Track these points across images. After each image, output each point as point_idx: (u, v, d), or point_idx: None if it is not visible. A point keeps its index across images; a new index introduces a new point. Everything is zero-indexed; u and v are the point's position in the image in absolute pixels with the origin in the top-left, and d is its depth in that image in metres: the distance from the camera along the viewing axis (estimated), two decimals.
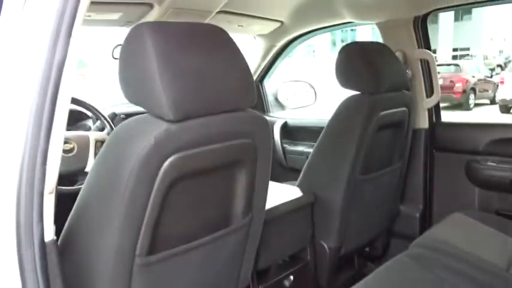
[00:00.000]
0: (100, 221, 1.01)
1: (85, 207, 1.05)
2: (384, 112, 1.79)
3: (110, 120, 2.08)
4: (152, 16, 1.98)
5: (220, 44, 1.11)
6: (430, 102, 2.15)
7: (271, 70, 2.94)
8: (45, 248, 0.85)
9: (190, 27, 1.08)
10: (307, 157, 1.94)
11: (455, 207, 2.09)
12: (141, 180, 0.98)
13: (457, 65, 10.15)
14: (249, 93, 1.14)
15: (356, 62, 1.77)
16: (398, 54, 2.07)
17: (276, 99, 3.10)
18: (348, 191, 1.79)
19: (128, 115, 2.28)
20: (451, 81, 9.66)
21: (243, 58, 1.14)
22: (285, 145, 2.80)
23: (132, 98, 1.04)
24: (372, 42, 1.92)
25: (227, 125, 1.11)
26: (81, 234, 1.07)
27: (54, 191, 0.85)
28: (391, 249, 2.31)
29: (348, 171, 1.76)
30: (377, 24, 2.16)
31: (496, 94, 10.96)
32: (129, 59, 1.01)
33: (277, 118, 2.90)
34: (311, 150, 1.92)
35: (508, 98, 9.24)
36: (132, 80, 1.02)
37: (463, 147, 2.13)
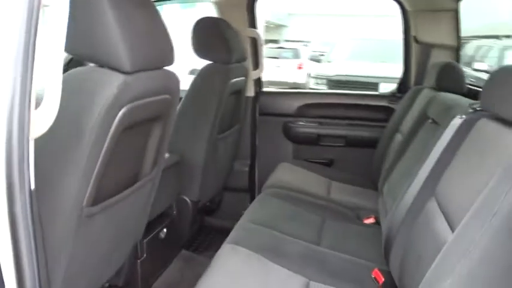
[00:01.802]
0: (59, 172, 1.00)
1: (42, 157, 1.01)
2: (234, 80, 2.10)
3: None
4: None
5: (151, 6, 1.20)
6: (256, 74, 2.57)
7: None
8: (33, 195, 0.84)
9: None
10: None
11: (275, 160, 2.60)
12: (102, 130, 1.02)
13: (295, 49, 10.94)
14: (172, 53, 1.27)
15: (212, 35, 2.01)
16: None
17: None
18: (209, 149, 2.04)
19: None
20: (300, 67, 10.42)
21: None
22: None
23: (82, 51, 1.05)
24: (216, 18, 2.19)
25: (162, 79, 1.22)
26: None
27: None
28: (224, 202, 2.66)
29: (209, 131, 2.01)
30: (214, 2, 2.43)
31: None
32: (81, 13, 1.02)
33: None
34: None
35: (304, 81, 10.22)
36: (84, 34, 1.03)
37: (280, 111, 2.64)
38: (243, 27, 2.44)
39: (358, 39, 8.64)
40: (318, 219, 1.80)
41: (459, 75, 1.88)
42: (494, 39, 7.95)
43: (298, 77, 9.86)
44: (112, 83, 1.02)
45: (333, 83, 6.85)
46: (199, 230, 2.50)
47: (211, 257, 2.22)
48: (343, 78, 6.76)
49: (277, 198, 1.92)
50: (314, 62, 9.28)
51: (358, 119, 2.57)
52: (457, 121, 1.28)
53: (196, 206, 2.14)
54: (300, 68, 10.34)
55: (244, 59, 2.26)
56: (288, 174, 2.28)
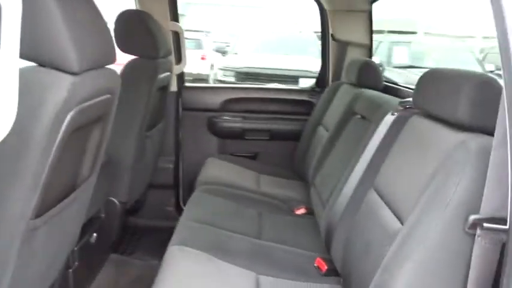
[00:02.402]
0: (4, 183, 0.90)
1: None
2: (162, 75, 2.04)
3: None
4: None
5: (92, 2, 1.13)
6: (179, 68, 2.52)
7: None
8: None
9: None
10: None
11: (200, 155, 2.59)
12: (51, 136, 0.95)
13: (198, 39, 10.51)
14: (114, 51, 1.21)
15: (137, 29, 1.93)
16: None
17: None
18: (137, 147, 1.97)
19: None
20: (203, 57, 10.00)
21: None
22: None
23: (23, 50, 0.95)
24: (141, 11, 2.11)
25: (106, 79, 1.16)
26: None
27: None
28: (148, 200, 2.59)
29: (138, 128, 1.93)
30: None
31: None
32: (25, 9, 0.92)
33: None
34: None
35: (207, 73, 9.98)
36: (27, 32, 0.93)
37: (204, 106, 2.62)
38: (165, 21, 2.37)
39: (262, 31, 8.83)
40: (254, 213, 1.84)
41: (377, 73, 2.04)
42: (382, 34, 8.65)
43: (202, 68, 9.80)
44: (61, 86, 0.94)
45: (242, 75, 6.93)
46: (124, 231, 2.41)
47: (141, 259, 2.20)
48: (252, 71, 6.87)
49: (213, 194, 1.93)
50: (219, 53, 9.28)
51: (280, 113, 2.66)
52: (389, 118, 1.40)
53: (124, 208, 2.06)
54: (203, 59, 10.26)
55: (169, 53, 2.20)
56: (218, 169, 2.29)
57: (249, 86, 3.04)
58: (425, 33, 12.72)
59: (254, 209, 1.88)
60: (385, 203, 1.19)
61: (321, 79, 2.66)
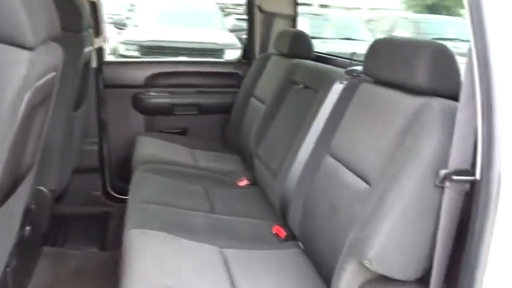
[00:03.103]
0: None
1: None
2: (87, 49, 1.88)
3: None
4: None
5: None
6: (98, 42, 2.34)
7: None
8: None
9: None
10: None
11: (126, 134, 2.48)
12: (11, 118, 0.84)
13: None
14: (58, 23, 1.09)
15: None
16: None
17: None
18: (66, 129, 1.81)
19: None
20: None
21: None
22: None
23: None
24: None
25: (53, 54, 1.05)
26: None
27: None
28: (72, 185, 2.42)
29: (66, 108, 1.77)
30: None
31: None
32: None
33: None
34: None
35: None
36: None
37: (127, 82, 2.48)
38: None
39: (162, 2, 8.46)
40: (201, 189, 1.82)
41: (309, 43, 2.09)
42: None
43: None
44: (19, 63, 0.83)
45: (146, 49, 6.61)
46: (52, 221, 2.23)
47: (77, 248, 2.06)
48: (156, 44, 6.59)
49: (154, 174, 1.86)
50: (117, 26, 8.75)
51: (208, 86, 2.61)
52: (338, 86, 1.46)
53: (54, 196, 1.90)
54: None
55: (90, 25, 2.03)
56: (152, 147, 2.21)
57: (174, 59, 2.93)
58: (320, 5, 13.31)
59: (199, 185, 1.86)
60: (346, 167, 1.26)
61: (248, 51, 2.66)
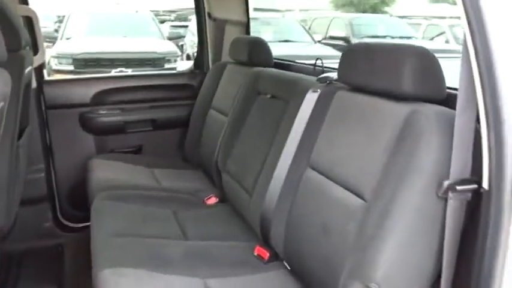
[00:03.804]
0: None
1: None
2: (27, 69, 1.70)
3: None
4: None
5: None
6: (36, 60, 2.13)
7: None
8: None
9: None
10: None
11: (76, 158, 2.29)
12: None
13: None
14: (4, 47, 0.95)
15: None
16: None
17: None
18: (11, 160, 1.62)
19: None
20: None
21: None
22: None
23: None
24: None
25: (3, 80, 0.90)
26: None
27: None
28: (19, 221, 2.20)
29: (11, 138, 1.59)
30: None
31: None
32: None
33: None
34: None
35: None
36: None
37: (73, 101, 2.29)
38: (12, 4, 1.96)
39: (93, 12, 8.09)
40: (169, 213, 1.69)
41: (268, 50, 2.03)
42: None
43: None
44: None
45: (80, 62, 6.27)
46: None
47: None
48: (92, 56, 6.26)
49: (116, 200, 1.71)
50: (46, 40, 8.25)
51: (161, 100, 2.48)
52: (312, 95, 1.40)
53: (3, 234, 1.69)
54: None
55: (28, 43, 1.84)
56: (108, 171, 2.04)
57: (123, 74, 2.74)
58: (254, 8, 13.40)
59: (166, 208, 1.73)
60: (333, 180, 1.20)
61: (200, 60, 2.55)
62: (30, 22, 2.08)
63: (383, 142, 1.06)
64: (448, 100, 1.07)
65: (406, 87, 1.03)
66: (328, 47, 7.94)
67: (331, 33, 9.30)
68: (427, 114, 0.97)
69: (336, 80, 1.38)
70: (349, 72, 1.24)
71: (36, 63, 2.14)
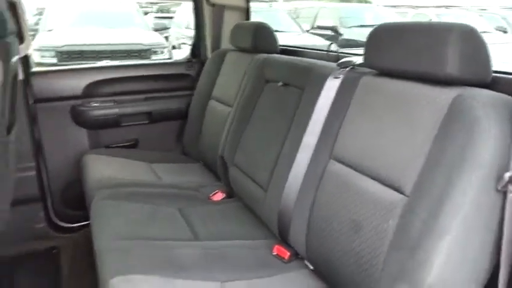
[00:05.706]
0: None
1: None
2: (13, 59, 1.55)
3: None
4: None
5: None
6: (23, 50, 1.97)
7: None
8: None
9: None
10: None
11: (68, 154, 2.15)
12: None
13: None
14: None
15: None
16: None
17: None
18: (1, 158, 1.48)
19: None
20: None
21: None
22: None
23: None
24: None
25: None
26: None
27: None
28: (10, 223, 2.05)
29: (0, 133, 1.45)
30: None
31: None
32: None
33: None
34: None
35: None
36: None
37: (63, 94, 2.14)
38: None
39: (75, 3, 7.82)
40: (175, 211, 1.58)
41: (273, 36, 1.91)
42: None
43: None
44: None
45: (64, 54, 6.04)
46: None
47: None
48: (75, 48, 6.04)
49: (116, 200, 1.58)
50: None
51: (158, 91, 2.34)
52: (333, 82, 1.29)
53: None
54: None
55: (15, 31, 1.68)
56: (105, 168, 1.90)
57: (117, 64, 2.58)
58: None
59: (170, 206, 1.61)
60: (362, 173, 1.10)
61: (197, 48, 2.41)
62: (14, 9, 1.92)
63: (423, 131, 0.96)
64: (493, 84, 0.97)
65: (451, 70, 0.93)
66: (316, 37, 7.85)
67: (319, 22, 9.20)
68: (480, 99, 0.87)
69: (359, 65, 1.27)
70: (378, 55, 1.13)
71: (22, 53, 1.98)
